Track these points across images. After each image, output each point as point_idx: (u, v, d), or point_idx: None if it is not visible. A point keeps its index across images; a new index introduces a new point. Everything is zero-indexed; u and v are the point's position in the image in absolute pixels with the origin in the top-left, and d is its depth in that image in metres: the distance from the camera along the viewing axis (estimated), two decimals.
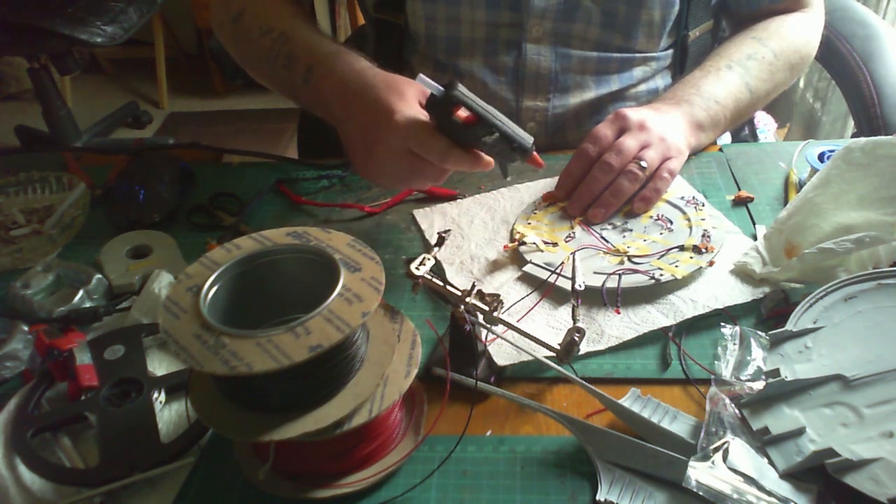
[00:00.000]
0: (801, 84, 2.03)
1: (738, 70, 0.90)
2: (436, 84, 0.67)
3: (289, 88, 0.85)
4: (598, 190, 0.80)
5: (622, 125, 0.81)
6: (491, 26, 0.92)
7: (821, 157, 0.80)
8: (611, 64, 0.94)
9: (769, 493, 0.51)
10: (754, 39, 0.94)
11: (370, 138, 0.71)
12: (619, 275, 0.70)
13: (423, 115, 0.69)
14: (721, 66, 0.90)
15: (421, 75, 0.67)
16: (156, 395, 0.63)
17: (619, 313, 0.69)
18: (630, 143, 0.79)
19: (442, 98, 0.66)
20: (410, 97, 0.71)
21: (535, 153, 0.70)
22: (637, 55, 0.95)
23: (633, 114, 0.81)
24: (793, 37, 0.96)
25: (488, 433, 0.60)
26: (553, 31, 0.92)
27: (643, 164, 0.79)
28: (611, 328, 0.67)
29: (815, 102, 1.96)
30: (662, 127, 0.82)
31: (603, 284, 0.70)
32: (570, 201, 0.81)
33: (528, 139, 0.70)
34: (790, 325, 0.61)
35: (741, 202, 0.82)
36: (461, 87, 0.66)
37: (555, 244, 0.77)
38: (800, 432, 0.54)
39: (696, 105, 0.87)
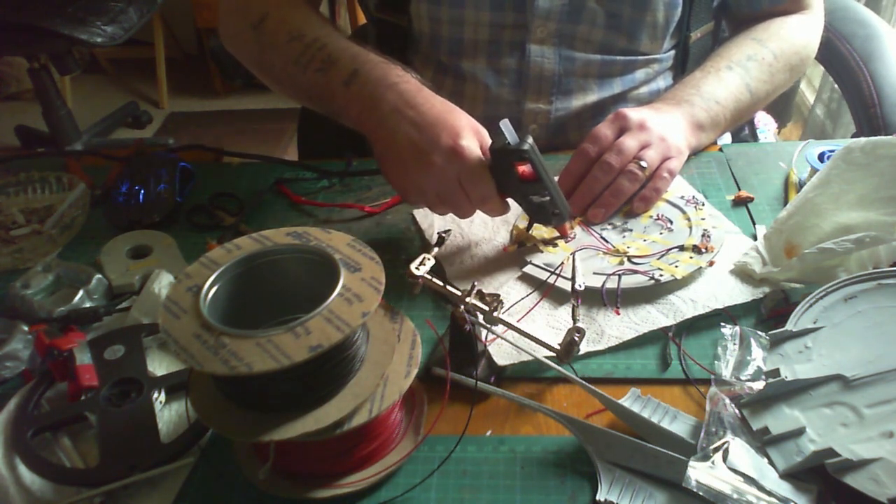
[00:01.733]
0: (809, 93, 2.02)
1: (739, 71, 0.90)
2: (514, 133, 0.68)
3: (318, 92, 0.82)
4: (598, 190, 0.80)
5: (622, 125, 0.81)
6: (495, 27, 0.92)
7: (821, 157, 0.80)
8: (614, 67, 0.94)
9: (769, 493, 0.51)
10: (754, 41, 0.94)
11: (423, 155, 0.71)
12: (619, 275, 0.70)
13: (481, 152, 0.71)
14: (721, 67, 0.90)
15: (506, 121, 0.68)
16: (156, 395, 0.63)
17: (618, 313, 0.69)
18: (630, 143, 0.79)
19: (511, 149, 0.68)
20: (470, 129, 0.72)
21: (566, 223, 0.76)
22: (640, 57, 0.95)
23: (634, 114, 0.81)
24: (793, 38, 0.96)
25: (488, 433, 0.60)
26: (557, 33, 0.91)
27: (643, 164, 0.79)
28: (611, 328, 0.67)
29: (826, 119, 1.95)
30: (662, 127, 0.82)
31: (603, 285, 0.70)
32: (570, 201, 0.81)
33: (568, 208, 0.74)
34: (790, 325, 0.61)
35: (741, 202, 0.82)
36: (532, 143, 0.68)
37: (555, 244, 0.77)
38: (800, 432, 0.54)
39: (697, 105, 0.87)
